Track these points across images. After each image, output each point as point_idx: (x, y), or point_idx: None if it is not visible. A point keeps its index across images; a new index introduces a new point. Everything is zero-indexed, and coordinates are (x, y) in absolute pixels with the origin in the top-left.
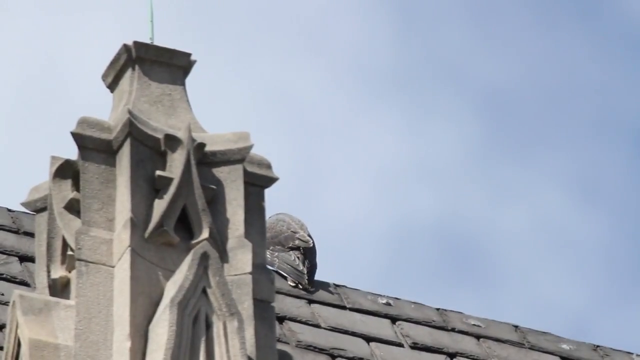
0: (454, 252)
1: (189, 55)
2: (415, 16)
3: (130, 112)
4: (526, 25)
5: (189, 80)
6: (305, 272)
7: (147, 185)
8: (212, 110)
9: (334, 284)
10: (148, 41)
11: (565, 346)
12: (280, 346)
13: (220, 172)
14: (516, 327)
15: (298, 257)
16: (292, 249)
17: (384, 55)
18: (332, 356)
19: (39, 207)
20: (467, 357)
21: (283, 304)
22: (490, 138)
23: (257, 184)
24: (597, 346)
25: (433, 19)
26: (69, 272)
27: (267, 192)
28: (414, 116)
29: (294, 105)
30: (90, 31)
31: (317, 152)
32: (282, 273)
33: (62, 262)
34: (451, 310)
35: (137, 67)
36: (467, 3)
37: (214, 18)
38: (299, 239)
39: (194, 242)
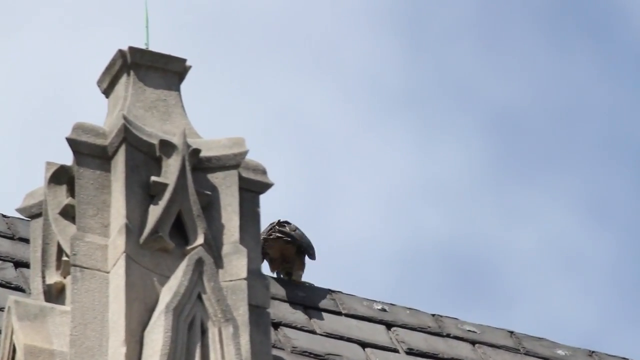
0: (462, 273)
1: (184, 61)
2: (425, 36)
3: (125, 118)
4: (536, 46)
5: (199, 90)
6: (294, 234)
7: (142, 191)
8: (224, 121)
9: (329, 290)
10: (143, 47)
11: (560, 352)
12: (275, 352)
13: (216, 178)
14: (511, 332)
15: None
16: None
17: (394, 75)
18: None
19: (34, 212)
20: None
21: (278, 310)
22: (499, 158)
23: (252, 190)
24: (593, 352)
25: (443, 39)
26: (64, 277)
27: (275, 209)
28: (423, 136)
29: (303, 124)
30: (86, 37)
31: (326, 170)
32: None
33: (57, 268)
34: (446, 316)
35: (132, 72)
36: (477, 23)
37: (212, 23)
38: (278, 224)
39: (189, 247)
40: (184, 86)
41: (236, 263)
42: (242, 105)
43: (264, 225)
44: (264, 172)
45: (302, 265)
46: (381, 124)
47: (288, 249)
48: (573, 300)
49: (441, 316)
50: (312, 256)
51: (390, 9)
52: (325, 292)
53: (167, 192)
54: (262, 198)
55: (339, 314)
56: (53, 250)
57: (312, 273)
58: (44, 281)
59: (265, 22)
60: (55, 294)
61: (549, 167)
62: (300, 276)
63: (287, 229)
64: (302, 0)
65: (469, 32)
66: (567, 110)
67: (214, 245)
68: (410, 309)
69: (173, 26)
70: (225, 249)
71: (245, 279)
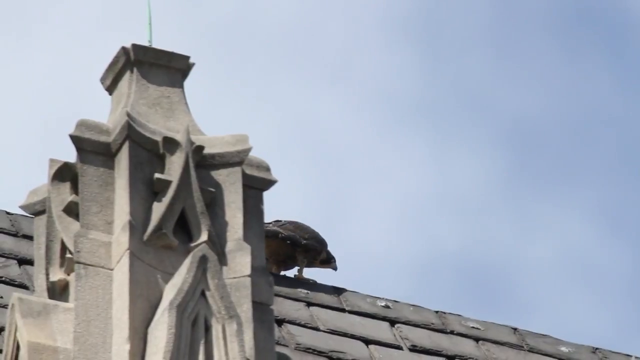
0: (477, 283)
1: (187, 58)
2: (440, 48)
3: (128, 115)
4: (551, 58)
5: (204, 87)
6: (276, 229)
7: (146, 188)
8: (228, 120)
9: (333, 287)
10: (146, 44)
11: (564, 349)
12: (279, 349)
13: (219, 175)
14: (515, 329)
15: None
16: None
17: (409, 86)
18: (331, 359)
19: (38, 209)
20: (466, 359)
21: (282, 307)
22: (515, 169)
23: (255, 187)
24: (596, 348)
25: (458, 51)
26: (68, 275)
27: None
28: (438, 146)
29: (318, 135)
30: (89, 34)
31: (341, 181)
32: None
33: (61, 265)
34: (450, 313)
35: (135, 69)
36: (492, 34)
37: (215, 22)
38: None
39: (192, 245)
40: (187, 83)
41: (240, 260)
42: (247, 104)
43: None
44: (267, 169)
45: (304, 261)
46: (396, 134)
47: (272, 244)
48: (588, 311)
49: (445, 313)
50: (320, 244)
51: (406, 21)
52: (328, 289)
53: (170, 189)
54: (267, 195)
55: (342, 310)
56: (57, 248)
57: (325, 277)
58: (47, 278)
59: (280, 33)
60: (59, 291)
61: (563, 177)
62: (333, 263)
63: (271, 226)
64: (318, 11)
65: (484, 43)
66: (582, 122)
67: (217, 242)
68: (414, 305)
69: (176, 23)
70: (229, 246)
71: (249, 276)
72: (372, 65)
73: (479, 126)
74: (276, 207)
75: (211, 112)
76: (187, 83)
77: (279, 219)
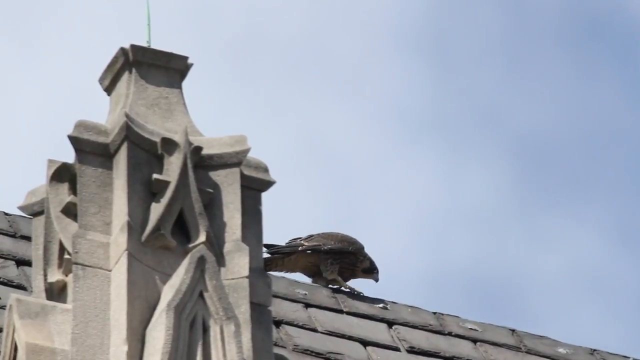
0: (488, 297)
1: (185, 58)
2: (451, 62)
3: (127, 116)
4: (563, 72)
5: (202, 88)
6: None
7: (144, 189)
8: (227, 120)
9: (331, 288)
10: (145, 44)
11: (562, 350)
12: (277, 350)
13: (217, 176)
14: (513, 330)
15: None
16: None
17: (420, 100)
18: None
19: (36, 210)
20: None
21: (280, 308)
22: (526, 183)
23: (254, 188)
24: (594, 350)
25: (469, 65)
26: (66, 275)
27: (300, 232)
28: (449, 160)
29: (330, 148)
30: (88, 34)
31: (352, 194)
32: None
33: (59, 266)
34: (448, 314)
35: (134, 70)
36: (503, 49)
37: (211, 21)
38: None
39: (190, 245)
40: (193, 88)
41: (238, 261)
42: (259, 117)
43: (267, 224)
44: (265, 169)
45: (333, 264)
46: (407, 147)
47: (299, 260)
48: (598, 324)
49: (442, 314)
50: (350, 244)
51: (417, 35)
52: (326, 290)
53: (169, 189)
54: (276, 207)
55: (340, 312)
56: (55, 248)
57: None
58: (45, 279)
59: (292, 46)
60: (57, 292)
61: (574, 191)
62: (376, 274)
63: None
64: (330, 24)
65: (495, 58)
66: (593, 135)
67: (215, 243)
68: (411, 307)
69: (175, 24)
70: (227, 246)
71: (247, 277)
72: (383, 79)
73: (490, 140)
74: (287, 219)
75: (221, 122)
76: (193, 88)
77: (312, 234)
